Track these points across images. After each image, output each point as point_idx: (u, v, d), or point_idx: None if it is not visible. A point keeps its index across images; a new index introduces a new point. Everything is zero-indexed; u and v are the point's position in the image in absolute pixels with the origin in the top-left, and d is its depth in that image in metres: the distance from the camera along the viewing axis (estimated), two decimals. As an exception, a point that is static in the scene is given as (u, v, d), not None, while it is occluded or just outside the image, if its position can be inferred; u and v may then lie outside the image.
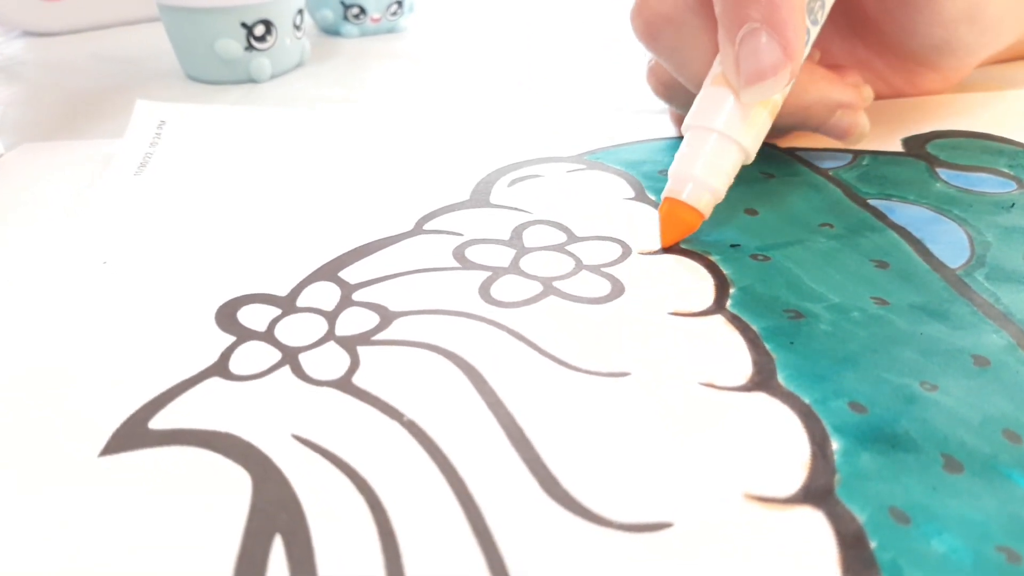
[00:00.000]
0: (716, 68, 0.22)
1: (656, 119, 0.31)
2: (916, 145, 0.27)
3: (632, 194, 0.25)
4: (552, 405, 0.17)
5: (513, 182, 0.26)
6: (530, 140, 0.30)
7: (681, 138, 0.22)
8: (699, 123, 0.22)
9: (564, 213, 0.24)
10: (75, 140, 0.33)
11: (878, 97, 0.29)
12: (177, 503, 0.15)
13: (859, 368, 0.17)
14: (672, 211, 0.22)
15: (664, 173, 0.26)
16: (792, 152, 0.27)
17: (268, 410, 0.17)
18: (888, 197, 0.24)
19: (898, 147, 0.27)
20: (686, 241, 0.22)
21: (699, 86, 0.23)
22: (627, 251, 0.22)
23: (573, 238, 0.23)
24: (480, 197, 0.25)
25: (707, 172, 0.21)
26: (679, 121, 0.26)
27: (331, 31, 0.48)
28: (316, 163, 0.29)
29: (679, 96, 0.26)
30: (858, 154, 0.27)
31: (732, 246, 0.22)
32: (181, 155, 0.30)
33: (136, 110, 0.32)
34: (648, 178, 0.26)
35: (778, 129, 0.25)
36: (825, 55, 0.27)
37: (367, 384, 0.18)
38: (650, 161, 0.27)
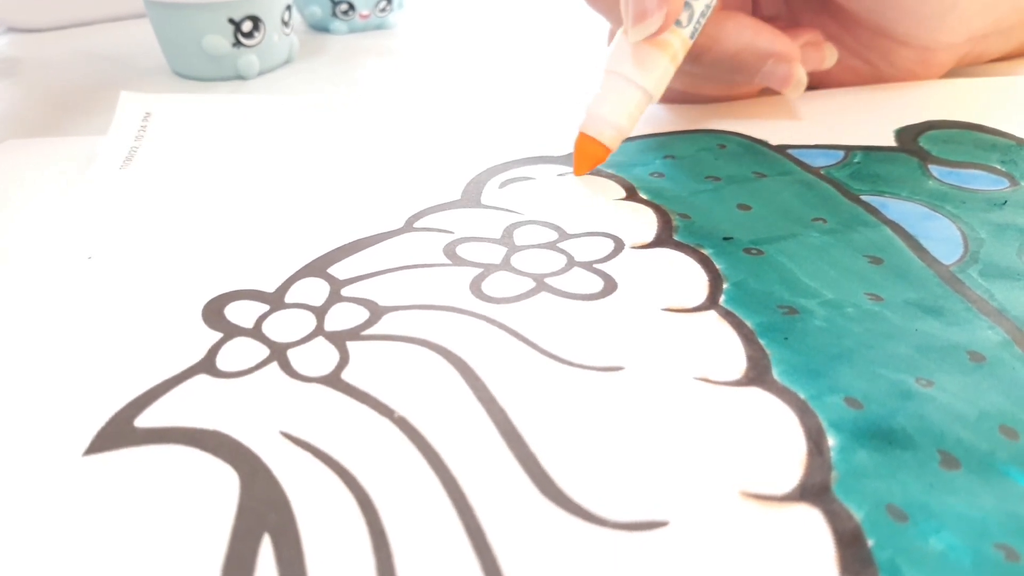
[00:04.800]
0: None
1: (646, 116, 0.31)
2: (909, 137, 0.27)
3: (623, 195, 0.25)
4: (545, 400, 0.17)
5: (504, 183, 0.26)
6: (521, 139, 0.29)
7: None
8: (610, 68, 0.25)
9: (555, 216, 0.24)
10: (60, 137, 0.32)
11: (860, 78, 0.30)
12: (163, 503, 0.15)
13: (854, 364, 0.17)
14: (583, 145, 0.26)
15: (655, 175, 0.26)
16: (783, 151, 0.27)
17: (256, 407, 0.17)
18: (881, 193, 0.24)
19: (891, 139, 0.27)
20: (680, 233, 0.22)
21: None
22: (619, 247, 0.22)
23: (564, 236, 0.23)
24: (471, 197, 0.25)
25: (613, 111, 0.25)
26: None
27: (319, 27, 0.48)
28: (305, 159, 0.28)
29: None
30: (850, 151, 0.27)
31: (725, 239, 0.22)
32: (167, 148, 0.29)
33: (121, 102, 0.32)
34: (639, 180, 0.26)
35: (719, 80, 0.29)
36: (794, 31, 0.28)
37: (357, 380, 0.17)
38: (640, 164, 0.27)
